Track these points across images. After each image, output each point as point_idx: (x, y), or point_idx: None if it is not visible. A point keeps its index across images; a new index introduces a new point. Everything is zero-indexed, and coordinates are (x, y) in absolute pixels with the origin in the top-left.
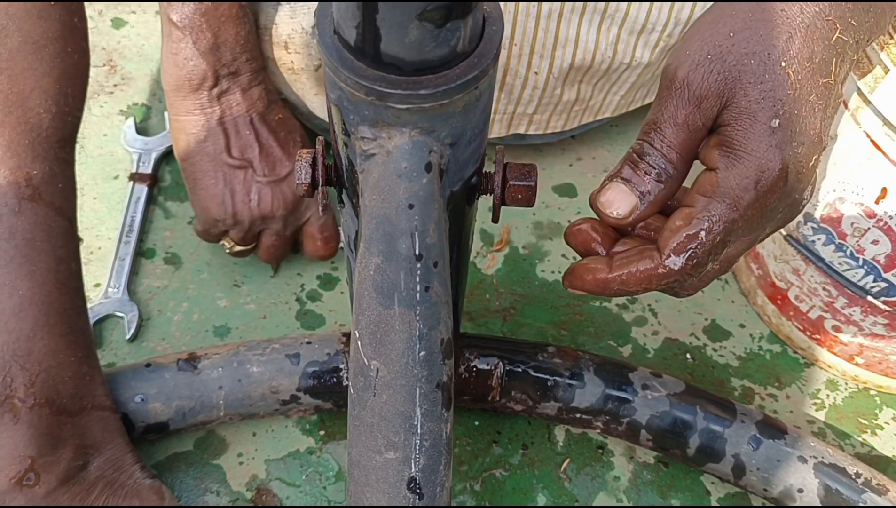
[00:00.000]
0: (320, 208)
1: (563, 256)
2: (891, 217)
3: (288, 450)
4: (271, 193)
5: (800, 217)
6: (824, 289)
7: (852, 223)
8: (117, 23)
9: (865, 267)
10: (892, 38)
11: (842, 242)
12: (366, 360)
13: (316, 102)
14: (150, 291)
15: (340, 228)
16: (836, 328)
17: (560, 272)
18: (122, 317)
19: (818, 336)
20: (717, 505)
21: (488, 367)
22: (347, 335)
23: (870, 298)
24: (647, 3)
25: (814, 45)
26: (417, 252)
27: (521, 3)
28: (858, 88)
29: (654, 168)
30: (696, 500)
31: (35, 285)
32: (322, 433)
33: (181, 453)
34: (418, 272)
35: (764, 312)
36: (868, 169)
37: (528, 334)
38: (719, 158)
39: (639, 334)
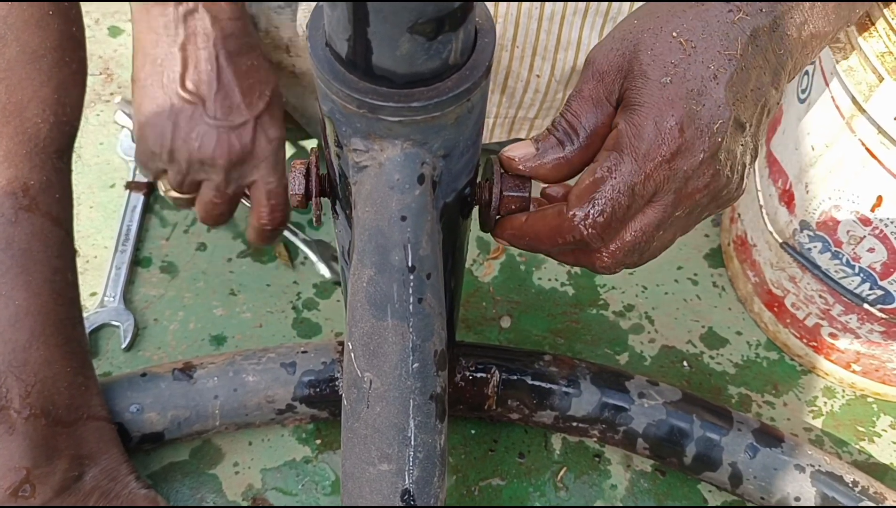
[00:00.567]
0: (314, 219)
1: (560, 264)
2: (886, 225)
3: (284, 459)
4: (217, 137)
5: (796, 225)
6: (821, 297)
7: (848, 231)
8: (114, 31)
9: (861, 275)
10: (887, 47)
11: (838, 250)
12: (359, 372)
13: (318, 106)
14: (146, 300)
15: (336, 240)
16: (833, 336)
17: (557, 280)
18: (118, 326)
19: (815, 344)
20: None
21: (484, 376)
22: (343, 344)
23: (866, 306)
24: None
25: (710, 20)
26: (410, 264)
27: (523, 4)
28: (853, 97)
29: (558, 130)
30: None
31: (31, 296)
32: (318, 442)
33: (177, 463)
34: (411, 284)
35: (761, 319)
36: (863, 177)
37: (524, 341)
38: (620, 116)
39: (636, 341)
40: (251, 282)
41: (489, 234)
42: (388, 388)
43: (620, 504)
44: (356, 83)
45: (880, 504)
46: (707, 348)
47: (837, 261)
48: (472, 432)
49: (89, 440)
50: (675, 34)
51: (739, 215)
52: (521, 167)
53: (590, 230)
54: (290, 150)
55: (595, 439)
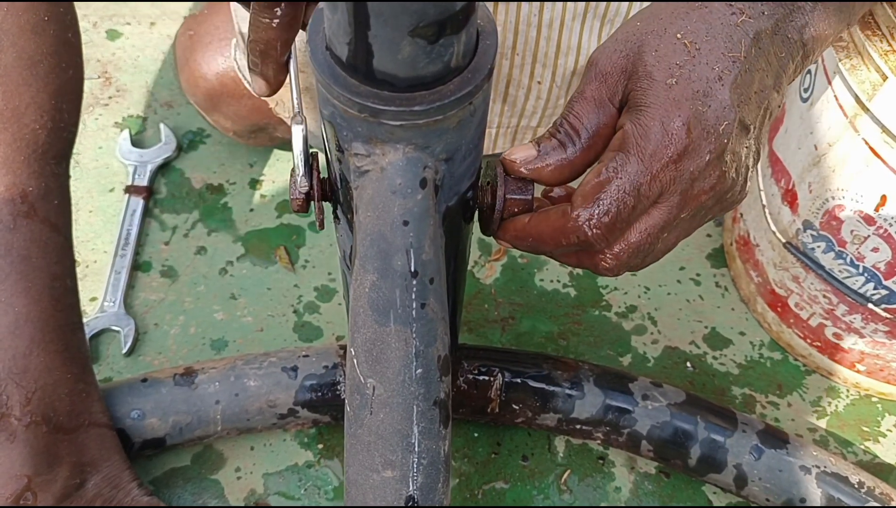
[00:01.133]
0: (317, 224)
1: (562, 265)
2: (891, 224)
3: (286, 464)
4: None
5: (799, 224)
6: (825, 296)
7: (852, 231)
8: (112, 35)
9: (866, 275)
10: (891, 46)
11: (841, 249)
12: (362, 378)
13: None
14: (146, 304)
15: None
16: (837, 336)
17: (559, 282)
18: (118, 331)
19: (819, 344)
20: None
21: (487, 378)
22: (345, 348)
23: (870, 305)
24: None
25: (713, 22)
26: (413, 269)
27: (521, 12)
28: (857, 96)
29: (560, 132)
30: None
31: (31, 303)
32: (320, 446)
33: (178, 468)
34: (414, 289)
35: (764, 319)
36: (867, 176)
37: (527, 343)
38: (625, 118)
39: (638, 342)
40: (252, 286)
41: (486, 235)
42: (391, 394)
43: (624, 507)
44: (357, 87)
45: (886, 505)
46: (710, 348)
47: (841, 261)
48: (476, 435)
49: (91, 448)
50: (679, 36)
51: (742, 215)
52: (522, 170)
53: (594, 231)
54: (290, 162)
55: (599, 441)
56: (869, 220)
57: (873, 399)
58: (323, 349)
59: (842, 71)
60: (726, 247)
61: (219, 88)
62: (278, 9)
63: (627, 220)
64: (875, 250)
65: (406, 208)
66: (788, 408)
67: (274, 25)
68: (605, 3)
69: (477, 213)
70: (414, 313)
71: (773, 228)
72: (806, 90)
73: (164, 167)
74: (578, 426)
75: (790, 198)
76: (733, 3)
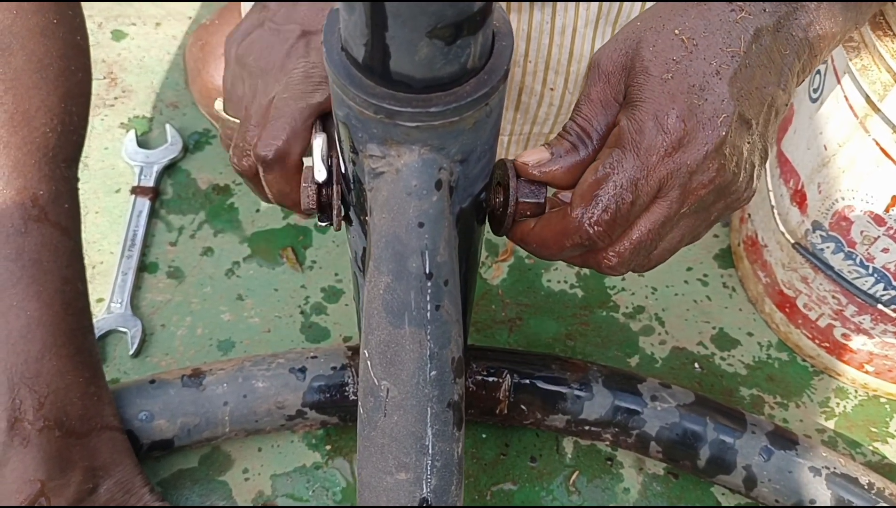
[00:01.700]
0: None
1: (569, 265)
2: None
3: (294, 465)
4: None
5: (808, 225)
6: (833, 297)
7: (861, 231)
8: (117, 35)
9: (875, 275)
10: None
11: (851, 250)
12: (376, 380)
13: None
14: (153, 305)
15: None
16: (846, 337)
17: (566, 282)
18: (125, 332)
19: (827, 344)
20: None
21: (496, 380)
22: (353, 349)
23: (880, 306)
24: None
25: (712, 19)
26: (428, 271)
27: (534, 20)
28: (867, 96)
29: (571, 135)
30: None
31: (42, 306)
32: (328, 447)
33: (186, 470)
34: (429, 291)
35: (772, 320)
36: (877, 177)
37: (534, 344)
38: (621, 114)
39: (646, 343)
40: (258, 287)
41: (498, 236)
42: (405, 396)
43: None
44: (373, 88)
45: None
46: (718, 349)
47: (851, 261)
48: (484, 436)
49: (103, 452)
50: (676, 32)
51: (750, 215)
52: (535, 173)
53: (595, 229)
54: None
55: (607, 442)
56: (879, 220)
57: (882, 400)
58: (331, 350)
59: (852, 71)
60: (734, 247)
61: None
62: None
63: (627, 216)
64: (885, 250)
65: (421, 209)
66: (797, 409)
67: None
68: (617, 3)
69: (489, 214)
70: (429, 314)
71: (782, 228)
72: (815, 90)
73: (170, 168)
74: (587, 428)
75: (799, 198)
76: (733, 1)
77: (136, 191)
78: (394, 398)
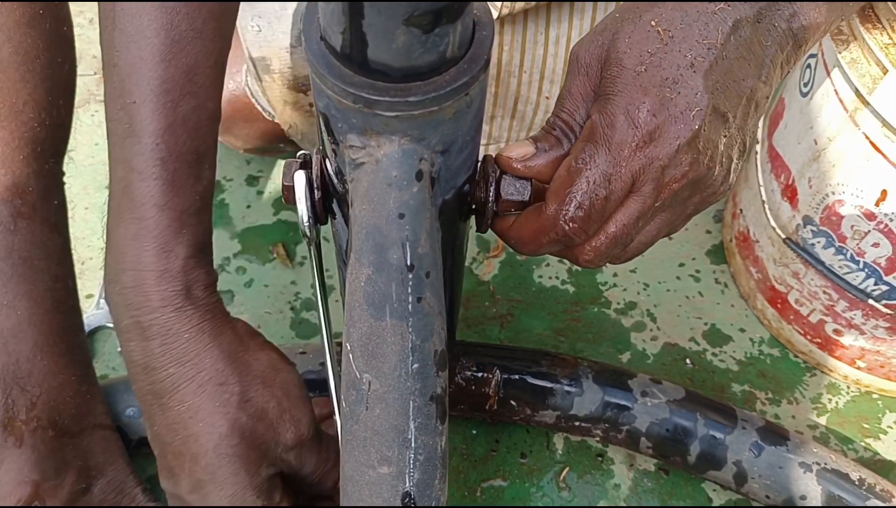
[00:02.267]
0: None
1: (561, 261)
2: (892, 220)
3: None
4: None
5: (799, 220)
6: (825, 292)
7: (852, 226)
8: None
9: (866, 270)
10: (891, 38)
11: (842, 245)
12: (357, 373)
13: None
14: None
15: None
16: (838, 332)
17: (557, 278)
18: (113, 328)
19: (819, 340)
20: None
21: (485, 375)
22: (342, 345)
23: (871, 301)
24: None
25: (689, 10)
26: (409, 263)
27: (528, 31)
28: (857, 90)
29: (556, 129)
30: None
31: (33, 305)
32: None
33: None
34: (410, 283)
35: (764, 316)
36: (867, 171)
37: (525, 340)
38: (593, 109)
39: (638, 339)
40: (249, 283)
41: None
42: (387, 389)
43: (624, 504)
44: (351, 77)
45: (887, 503)
46: (710, 345)
47: (841, 256)
48: (474, 432)
49: (96, 451)
50: (653, 23)
51: (741, 210)
52: (519, 167)
53: (570, 225)
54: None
55: (598, 438)
56: (869, 215)
57: (874, 396)
58: (320, 346)
59: (842, 64)
60: (726, 243)
61: (230, 112)
62: None
63: (602, 211)
64: (875, 245)
65: (402, 200)
66: (788, 405)
67: None
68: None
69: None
70: (410, 307)
71: (773, 223)
72: (806, 84)
73: None
74: (577, 423)
75: (790, 193)
76: None
77: None
78: (376, 391)
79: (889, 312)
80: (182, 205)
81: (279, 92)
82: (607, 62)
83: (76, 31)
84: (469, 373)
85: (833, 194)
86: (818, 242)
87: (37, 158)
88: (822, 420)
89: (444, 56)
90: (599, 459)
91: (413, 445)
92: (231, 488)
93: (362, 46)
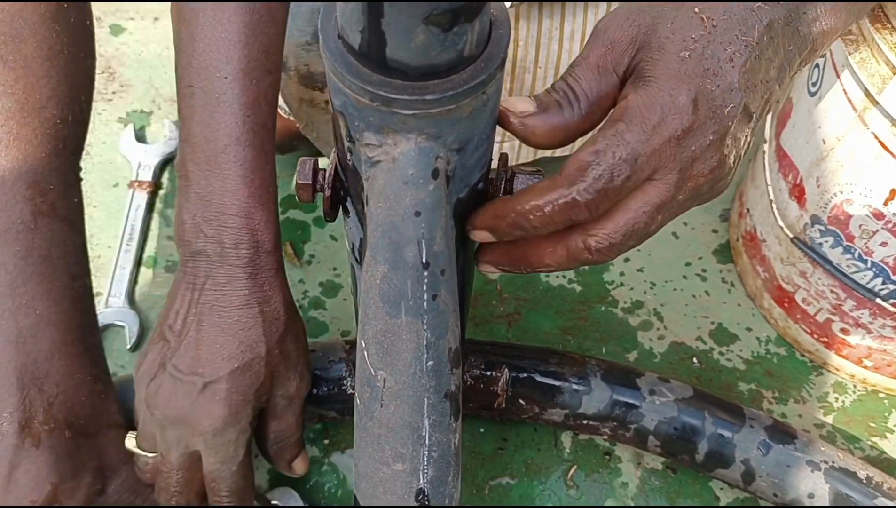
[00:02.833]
0: (325, 215)
1: None
2: None
3: None
4: (169, 388)
5: (806, 219)
6: (832, 292)
7: (860, 225)
8: (116, 29)
9: (874, 269)
10: None
11: (850, 244)
12: (372, 370)
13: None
14: (151, 299)
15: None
16: (845, 331)
17: (564, 277)
18: (123, 326)
19: (826, 339)
20: None
21: (494, 374)
22: (351, 344)
23: (879, 300)
24: None
25: (732, 2)
26: (424, 260)
27: (543, 26)
28: (866, 89)
29: (558, 92)
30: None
31: (51, 304)
32: (326, 441)
33: None
34: (425, 281)
35: (771, 315)
36: (876, 170)
37: (533, 339)
38: (630, 88)
39: (645, 338)
40: None
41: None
42: (402, 386)
43: (631, 503)
44: (369, 76)
45: (895, 501)
46: (717, 344)
47: (849, 256)
48: (482, 430)
49: (110, 451)
50: (696, 10)
51: (748, 210)
52: (514, 122)
53: (584, 196)
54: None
55: (605, 437)
56: (878, 214)
57: (880, 395)
58: (328, 344)
59: (851, 64)
60: (732, 242)
61: None
62: None
63: (619, 189)
64: (884, 244)
65: (418, 198)
66: (795, 404)
67: None
68: None
69: None
70: (425, 304)
71: (781, 223)
72: (814, 84)
73: (168, 162)
74: (585, 422)
75: (798, 193)
76: None
77: (134, 185)
78: (390, 389)
79: None
80: (268, 168)
81: (295, 90)
82: (646, 45)
83: None
84: (478, 372)
85: (841, 193)
86: (826, 241)
87: (58, 155)
88: (829, 419)
89: (461, 55)
90: (607, 457)
91: (427, 442)
92: (227, 394)
93: (381, 45)
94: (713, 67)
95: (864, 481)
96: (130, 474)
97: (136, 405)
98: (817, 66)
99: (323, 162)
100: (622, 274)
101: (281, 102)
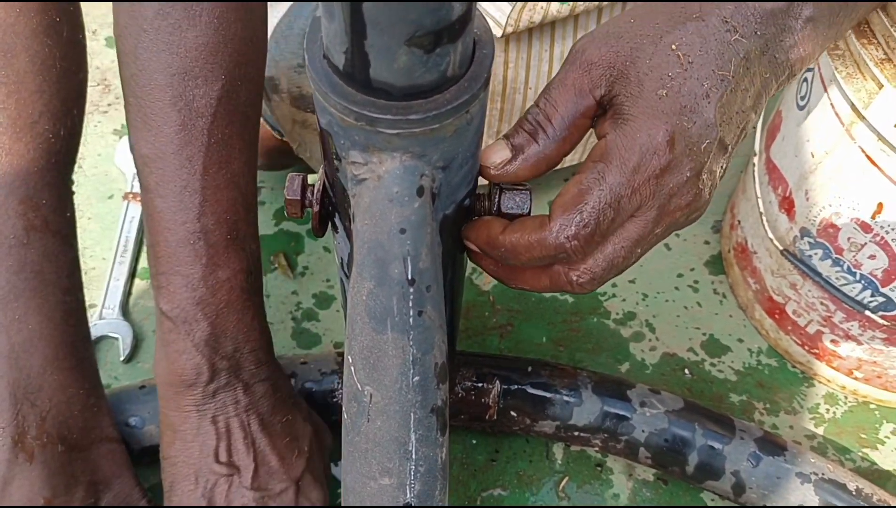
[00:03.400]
0: (313, 230)
1: None
2: (887, 232)
3: None
4: None
5: (796, 232)
6: (822, 304)
7: (849, 238)
8: (111, 42)
9: (863, 282)
10: (886, 54)
11: (839, 256)
12: (359, 385)
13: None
14: (145, 311)
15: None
16: (835, 343)
17: None
18: (116, 338)
19: (816, 350)
20: None
21: (485, 386)
22: (343, 355)
23: (868, 312)
24: None
25: (708, 37)
26: (410, 277)
27: (532, 49)
28: (853, 104)
29: (530, 123)
30: None
31: (44, 319)
32: None
33: None
34: (411, 297)
35: (762, 326)
36: (863, 184)
37: (525, 350)
38: (609, 126)
39: (637, 349)
40: None
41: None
42: (388, 402)
43: None
44: (354, 96)
45: None
46: (708, 355)
47: (838, 268)
48: (473, 442)
49: (103, 465)
50: (674, 46)
51: (739, 221)
52: (495, 174)
53: (573, 243)
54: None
55: (597, 448)
56: (866, 227)
57: (871, 406)
58: (321, 356)
59: (838, 79)
60: (724, 254)
61: None
62: None
63: (605, 233)
64: (872, 257)
65: (403, 215)
66: (786, 415)
67: None
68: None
69: None
70: (411, 320)
71: (771, 235)
72: (802, 98)
73: None
74: (576, 433)
75: (787, 205)
76: (728, 20)
77: (129, 197)
78: (377, 404)
79: (885, 323)
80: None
81: (287, 111)
82: (623, 77)
83: None
84: (469, 383)
85: (830, 206)
86: (815, 253)
87: (50, 169)
88: (820, 430)
89: (444, 75)
90: (598, 469)
91: (414, 456)
92: None
93: (364, 66)
94: (690, 104)
95: (854, 493)
96: (123, 487)
97: None
98: (805, 80)
99: (312, 178)
100: (614, 285)
101: (274, 123)
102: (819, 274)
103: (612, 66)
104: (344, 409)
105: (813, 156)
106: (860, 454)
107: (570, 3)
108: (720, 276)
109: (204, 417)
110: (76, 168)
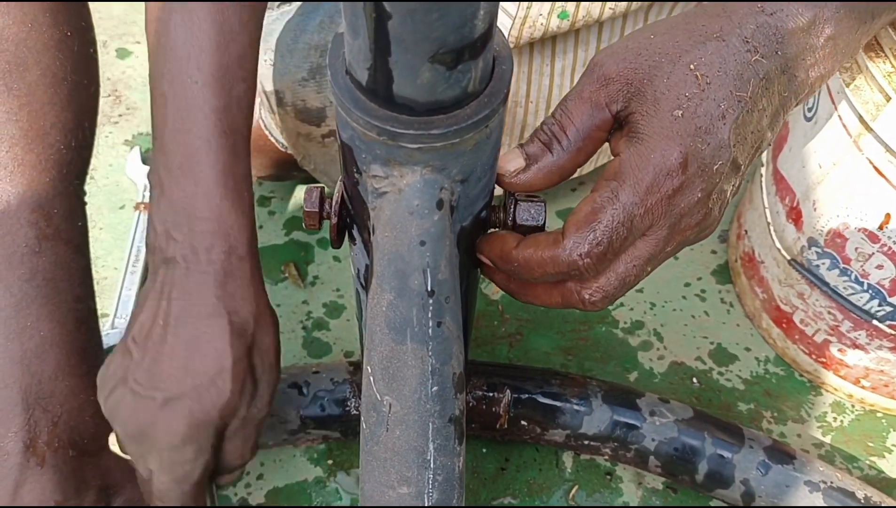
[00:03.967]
0: (332, 242)
1: None
2: (895, 242)
3: (295, 480)
4: (129, 405)
5: (804, 242)
6: (829, 313)
7: (856, 248)
8: (122, 53)
9: (870, 291)
10: (893, 67)
11: (846, 266)
12: (378, 395)
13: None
14: None
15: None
16: (842, 352)
17: None
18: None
19: (824, 359)
20: None
21: (496, 395)
22: (354, 364)
23: (875, 322)
24: None
25: (728, 57)
26: (429, 288)
27: (534, 63)
28: (860, 115)
29: (545, 134)
30: None
31: (56, 326)
32: (330, 462)
33: None
34: (430, 308)
35: (769, 335)
36: (871, 195)
37: (534, 359)
38: (624, 144)
39: (645, 358)
40: None
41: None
42: (407, 411)
43: None
44: (377, 111)
45: None
46: (716, 364)
47: (846, 278)
48: (484, 451)
49: (113, 470)
50: (692, 66)
51: (746, 231)
52: (508, 181)
53: (585, 261)
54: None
55: (606, 457)
56: (873, 237)
57: (878, 415)
58: (332, 365)
59: (845, 91)
60: (731, 263)
61: None
62: None
63: (617, 251)
64: (879, 267)
65: (423, 228)
66: (794, 423)
67: None
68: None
69: None
70: (430, 331)
71: (778, 245)
72: (810, 109)
73: None
74: (586, 442)
75: (795, 215)
76: (749, 39)
77: (140, 207)
78: (396, 413)
79: (893, 332)
80: (241, 172)
81: (292, 124)
82: (640, 94)
83: None
84: (480, 392)
85: (837, 216)
86: (823, 263)
87: (62, 180)
88: (828, 439)
89: (465, 91)
90: (608, 477)
91: (432, 466)
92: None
93: (388, 82)
94: (705, 125)
95: (863, 501)
96: (134, 492)
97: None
98: None
99: (327, 190)
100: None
101: (279, 136)
102: (826, 284)
103: (629, 82)
104: (363, 419)
105: (820, 167)
106: (868, 462)
107: (570, 19)
108: (727, 285)
109: (152, 287)
110: (87, 179)
